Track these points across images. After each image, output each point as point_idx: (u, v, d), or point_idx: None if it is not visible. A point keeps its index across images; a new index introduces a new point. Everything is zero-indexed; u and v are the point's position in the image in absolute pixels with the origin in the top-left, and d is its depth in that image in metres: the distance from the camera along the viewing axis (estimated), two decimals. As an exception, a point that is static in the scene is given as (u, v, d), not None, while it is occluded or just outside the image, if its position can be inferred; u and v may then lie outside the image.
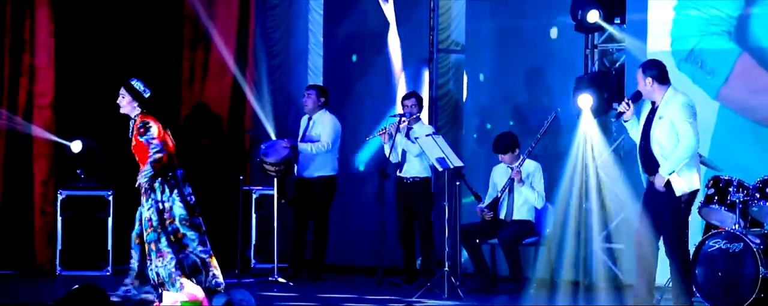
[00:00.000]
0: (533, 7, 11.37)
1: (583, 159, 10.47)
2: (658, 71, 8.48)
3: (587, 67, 10.99)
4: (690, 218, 9.35)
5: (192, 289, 8.51)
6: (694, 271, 9.10)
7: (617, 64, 10.96)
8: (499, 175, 10.58)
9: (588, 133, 10.47)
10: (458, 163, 9.96)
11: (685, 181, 8.42)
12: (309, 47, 12.77)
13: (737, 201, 9.11)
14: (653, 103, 8.56)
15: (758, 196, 9.08)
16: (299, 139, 10.98)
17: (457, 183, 10.03)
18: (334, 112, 11.37)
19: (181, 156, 12.57)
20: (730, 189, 9.18)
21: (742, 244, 8.93)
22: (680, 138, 8.36)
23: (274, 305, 9.55)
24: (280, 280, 10.70)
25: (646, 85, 8.48)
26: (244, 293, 6.36)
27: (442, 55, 11.98)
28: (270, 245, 11.09)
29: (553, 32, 11.21)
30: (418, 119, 10.74)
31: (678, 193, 8.40)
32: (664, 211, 8.46)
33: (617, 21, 10.76)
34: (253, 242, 11.95)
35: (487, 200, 10.51)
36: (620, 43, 10.87)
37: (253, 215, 11.93)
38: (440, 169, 10.09)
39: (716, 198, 9.25)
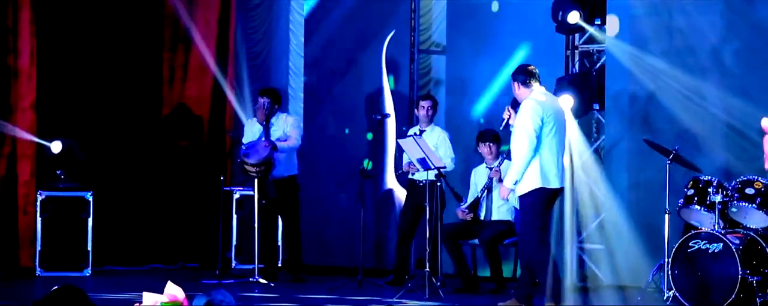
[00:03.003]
0: (513, 8, 11.40)
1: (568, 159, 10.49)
2: (524, 76, 8.86)
3: (568, 68, 11.02)
4: (667, 218, 9.42)
5: (172, 290, 8.47)
6: (673, 271, 9.15)
7: (598, 65, 10.99)
8: (480, 175, 10.60)
9: (568, 134, 10.49)
10: (439, 163, 9.98)
11: (522, 182, 8.71)
12: (290, 48, 12.76)
13: (717, 202, 9.15)
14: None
15: (737, 196, 9.12)
16: (245, 147, 10.83)
17: (438, 184, 10.04)
18: (316, 112, 11.36)
19: (161, 156, 12.61)
20: (710, 190, 9.22)
21: (721, 244, 8.96)
22: (516, 136, 8.75)
23: (254, 306, 9.56)
24: (261, 280, 10.68)
25: (517, 88, 8.90)
26: (225, 294, 6.34)
27: (422, 55, 11.99)
28: (251, 246, 11.07)
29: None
30: (431, 122, 10.74)
31: (519, 193, 8.74)
32: (520, 210, 8.95)
33: (598, 22, 10.80)
34: (234, 243, 11.94)
35: (468, 201, 10.53)
36: (601, 44, 10.90)
37: (234, 216, 11.91)
38: (421, 170, 10.10)
39: (696, 199, 9.29)
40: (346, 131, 12.14)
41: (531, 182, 8.73)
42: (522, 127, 8.73)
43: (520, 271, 9.05)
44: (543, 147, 8.73)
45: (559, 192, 8.95)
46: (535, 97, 8.82)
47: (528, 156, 8.69)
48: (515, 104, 8.95)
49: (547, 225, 8.99)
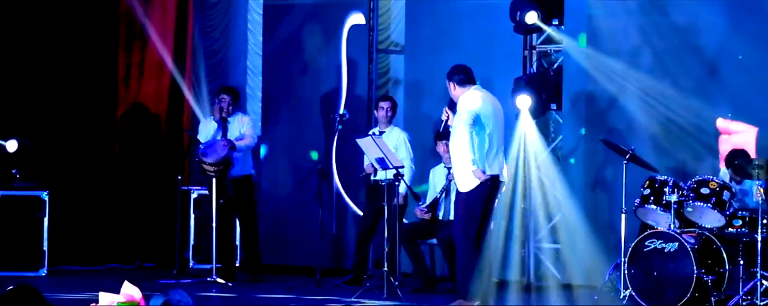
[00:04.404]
0: (472, 8, 11.43)
1: (523, 159, 10.54)
2: (462, 75, 8.91)
3: (525, 68, 11.06)
4: (623, 218, 9.48)
5: (129, 290, 8.42)
6: (629, 271, 9.21)
7: (555, 65, 11.04)
8: (438, 176, 10.62)
9: (526, 134, 10.54)
10: (398, 163, 9.98)
11: (466, 177, 8.73)
12: (248, 47, 12.73)
13: (672, 201, 9.22)
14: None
15: (693, 196, 9.20)
16: (203, 147, 10.79)
17: (396, 183, 10.04)
18: (275, 112, 11.32)
19: (118, 155, 12.54)
20: (666, 189, 9.29)
21: (677, 244, 9.04)
22: (454, 127, 8.78)
23: (212, 306, 9.52)
24: (219, 280, 10.64)
25: (454, 88, 8.93)
26: (182, 294, 6.31)
27: (381, 55, 11.99)
28: (208, 246, 11.03)
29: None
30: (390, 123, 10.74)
31: (461, 189, 8.78)
32: (455, 206, 8.99)
33: (555, 22, 10.85)
34: (192, 243, 11.89)
35: (427, 201, 10.55)
36: (558, 44, 10.95)
37: (192, 215, 11.87)
38: (380, 170, 10.10)
39: (652, 198, 9.36)
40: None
41: (474, 180, 8.71)
42: (460, 114, 8.73)
43: (458, 267, 8.94)
44: (484, 141, 8.72)
45: (499, 183, 8.92)
46: (475, 94, 8.85)
47: (469, 138, 8.66)
48: (452, 105, 8.96)
49: (487, 221, 8.96)
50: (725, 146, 9.89)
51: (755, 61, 10.00)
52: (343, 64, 12.02)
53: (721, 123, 9.98)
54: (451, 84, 8.96)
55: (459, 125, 8.73)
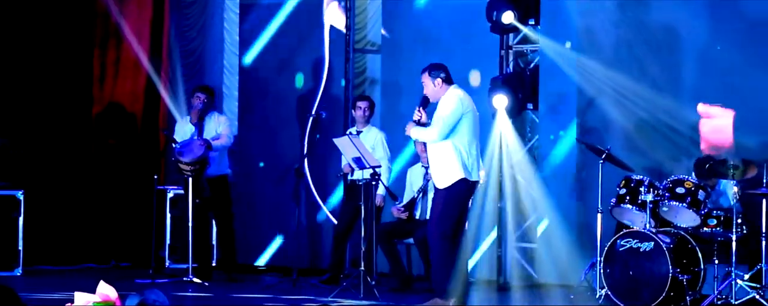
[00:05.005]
0: (448, 8, 11.44)
1: (499, 159, 10.56)
2: (444, 73, 8.81)
3: (502, 67, 11.08)
4: (599, 217, 9.51)
5: (105, 289, 8.39)
6: (605, 270, 9.24)
7: (532, 65, 11.06)
8: (415, 175, 10.63)
9: (503, 134, 10.56)
10: (375, 162, 9.98)
11: (444, 174, 8.68)
12: (224, 46, 12.70)
13: (648, 201, 9.26)
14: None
15: (668, 196, 9.24)
16: (179, 146, 10.76)
17: (373, 183, 10.05)
18: (251, 111, 11.29)
19: (93, 155, 12.49)
20: (641, 189, 9.32)
21: (652, 243, 9.07)
22: (432, 125, 8.68)
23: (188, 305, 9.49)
24: (195, 280, 10.62)
25: (435, 86, 8.78)
26: (158, 294, 6.29)
27: (358, 55, 11.99)
28: (184, 245, 11.01)
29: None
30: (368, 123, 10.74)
31: (440, 186, 8.72)
32: (433, 203, 8.87)
33: (532, 22, 10.87)
34: (168, 242, 11.86)
35: (404, 200, 10.55)
36: (535, 43, 10.98)
37: (168, 215, 11.83)
38: (357, 169, 10.10)
39: (628, 198, 9.39)
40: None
41: (454, 174, 8.67)
42: (439, 115, 8.65)
43: (434, 266, 8.90)
44: (464, 141, 8.70)
45: (475, 186, 8.94)
46: (458, 92, 8.81)
47: (435, 139, 8.65)
48: (426, 103, 8.85)
49: (463, 220, 8.97)
50: (706, 129, 9.93)
51: (733, 61, 10.04)
52: (325, 61, 12.01)
53: (701, 107, 10.04)
54: (432, 80, 8.78)
55: (436, 121, 8.67)
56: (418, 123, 8.80)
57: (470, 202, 9.14)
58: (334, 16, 12.04)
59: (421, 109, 8.81)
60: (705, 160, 9.43)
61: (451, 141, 8.66)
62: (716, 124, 9.87)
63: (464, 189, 8.74)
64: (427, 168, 10.41)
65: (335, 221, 11.17)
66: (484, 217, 10.62)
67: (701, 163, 9.42)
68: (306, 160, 11.24)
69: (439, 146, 8.71)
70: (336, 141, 10.17)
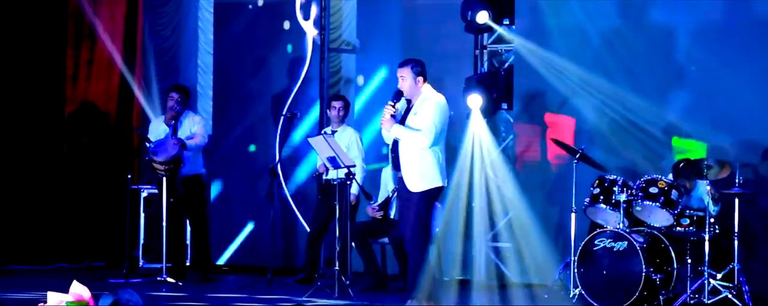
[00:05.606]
0: (423, 8, 11.45)
1: (472, 158, 10.58)
2: (422, 69, 8.69)
3: (476, 67, 11.10)
4: (573, 217, 9.55)
5: (78, 289, 8.36)
6: (579, 269, 9.27)
7: (506, 65, 11.09)
8: (389, 175, 10.63)
9: (477, 133, 10.58)
10: (349, 162, 9.97)
11: (424, 178, 8.60)
12: (199, 46, 12.67)
13: (622, 200, 9.29)
14: (409, 100, 8.70)
15: (642, 195, 9.28)
16: (153, 145, 10.72)
17: (348, 182, 10.04)
18: (225, 111, 11.25)
19: (67, 154, 12.43)
20: (615, 189, 9.36)
21: (626, 242, 9.11)
22: (421, 129, 8.53)
23: (162, 305, 9.46)
24: (169, 280, 10.59)
25: (415, 83, 8.63)
26: (132, 293, 6.27)
27: (333, 54, 11.98)
28: (158, 245, 10.97)
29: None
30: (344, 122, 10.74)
31: (416, 190, 8.60)
32: (407, 207, 8.71)
33: (506, 22, 10.89)
34: (141, 242, 11.82)
35: (379, 200, 10.55)
36: (509, 43, 11.00)
37: (142, 214, 11.80)
38: (332, 169, 10.10)
39: (602, 197, 9.43)
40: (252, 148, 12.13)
41: (432, 180, 8.64)
42: (433, 122, 8.55)
43: (412, 264, 8.85)
44: (441, 147, 8.69)
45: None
46: (442, 97, 8.76)
47: (425, 146, 8.55)
48: (398, 97, 8.68)
49: (431, 222, 8.98)
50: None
51: (706, 63, 10.08)
52: (306, 60, 11.98)
53: (548, 117, 10.34)
54: (414, 76, 8.61)
55: (429, 129, 8.53)
56: (393, 117, 8.61)
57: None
58: (304, 17, 12.02)
59: (393, 104, 8.65)
60: (680, 160, 9.48)
61: (433, 147, 8.63)
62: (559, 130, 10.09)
63: (437, 194, 8.76)
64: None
65: (309, 229, 11.13)
66: (458, 216, 10.64)
67: (677, 163, 9.48)
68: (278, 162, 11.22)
69: (419, 150, 8.64)
70: (311, 140, 10.16)
